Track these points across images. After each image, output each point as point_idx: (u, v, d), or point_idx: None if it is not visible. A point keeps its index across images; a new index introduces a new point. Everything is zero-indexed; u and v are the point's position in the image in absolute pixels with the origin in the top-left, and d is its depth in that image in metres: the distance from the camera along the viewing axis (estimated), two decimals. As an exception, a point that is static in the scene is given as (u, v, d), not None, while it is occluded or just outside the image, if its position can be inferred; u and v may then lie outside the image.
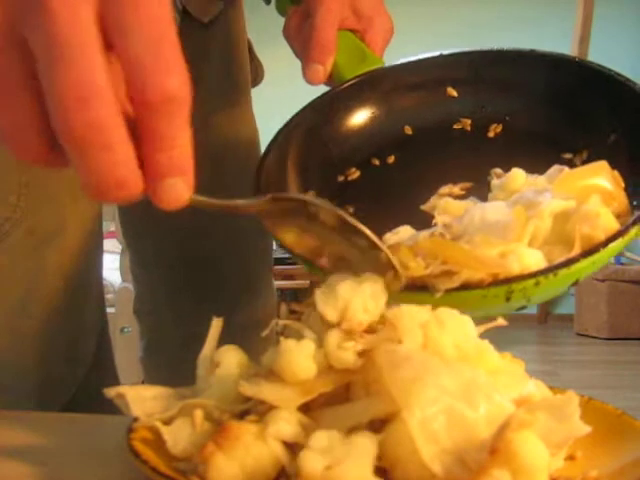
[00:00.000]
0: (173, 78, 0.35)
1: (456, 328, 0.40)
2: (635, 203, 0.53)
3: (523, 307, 0.51)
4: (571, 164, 0.60)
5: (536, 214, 0.51)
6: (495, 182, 0.58)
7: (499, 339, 0.44)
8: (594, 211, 0.51)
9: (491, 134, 0.65)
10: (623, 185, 0.55)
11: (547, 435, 0.36)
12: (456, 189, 0.62)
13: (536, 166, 0.61)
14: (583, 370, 4.00)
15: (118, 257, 2.65)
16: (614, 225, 0.51)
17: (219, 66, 0.86)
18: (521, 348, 4.33)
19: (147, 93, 0.34)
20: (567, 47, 4.57)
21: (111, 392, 0.40)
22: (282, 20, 0.73)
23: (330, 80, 0.70)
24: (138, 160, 0.36)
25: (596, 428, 0.39)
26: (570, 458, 0.40)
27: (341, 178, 0.66)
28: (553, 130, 0.63)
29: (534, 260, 0.49)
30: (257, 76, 0.96)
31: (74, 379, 0.74)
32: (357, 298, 0.40)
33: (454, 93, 0.68)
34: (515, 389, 0.40)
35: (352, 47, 0.70)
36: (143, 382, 0.98)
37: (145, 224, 0.93)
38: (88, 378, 0.76)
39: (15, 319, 0.68)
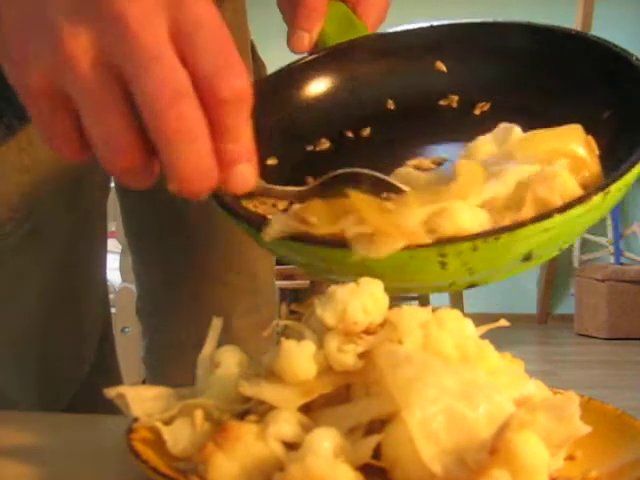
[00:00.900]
0: (241, 79, 0.41)
1: (456, 328, 0.40)
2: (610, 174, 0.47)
3: (473, 285, 0.46)
4: None
5: (498, 178, 0.46)
6: (460, 153, 0.54)
7: (499, 339, 0.44)
8: (552, 172, 0.45)
9: (477, 111, 0.61)
10: (597, 153, 0.50)
11: (547, 435, 0.36)
12: (427, 162, 0.58)
13: None
14: (583, 370, 4.00)
15: (118, 257, 2.65)
16: (575, 190, 0.46)
17: None
18: (521, 348, 4.33)
19: (221, 93, 0.40)
20: (567, 47, 4.57)
21: (111, 392, 0.40)
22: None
23: (315, 50, 0.66)
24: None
25: (596, 428, 0.39)
26: (570, 458, 0.40)
27: (310, 148, 0.62)
28: (543, 108, 0.59)
29: (474, 221, 0.43)
30: (260, 76, 0.95)
31: (76, 379, 0.74)
32: (355, 299, 0.40)
33: (443, 67, 0.64)
34: (515, 389, 0.40)
35: (342, 18, 0.66)
36: (144, 382, 0.98)
37: (147, 224, 0.93)
38: (91, 378, 0.76)
39: (16, 318, 0.68)
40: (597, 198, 0.44)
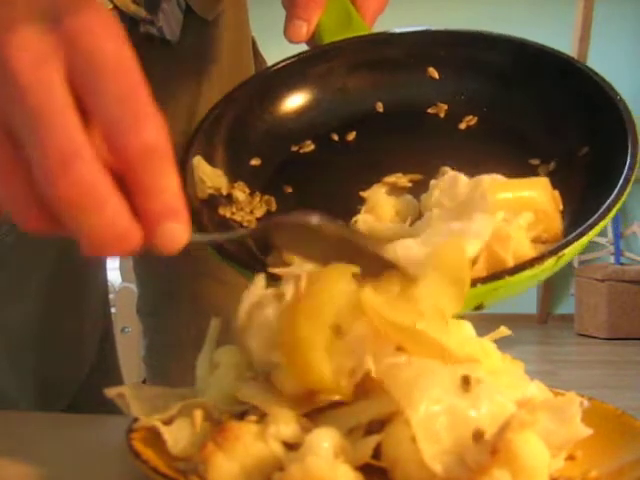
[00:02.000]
0: (148, 130, 0.36)
1: (458, 330, 0.40)
2: (570, 232, 0.48)
3: None
4: (535, 172, 0.56)
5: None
6: (433, 182, 0.53)
7: (499, 339, 0.44)
8: (507, 233, 0.45)
9: (463, 126, 0.61)
10: (561, 208, 0.51)
11: (548, 437, 0.36)
12: (404, 180, 0.57)
13: (499, 168, 0.56)
14: (583, 370, 4.00)
15: (118, 257, 2.65)
16: (528, 252, 0.46)
17: (223, 64, 0.86)
18: (521, 348, 4.33)
19: (127, 150, 0.35)
20: (567, 47, 4.57)
21: (111, 392, 0.40)
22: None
23: (311, 41, 0.65)
24: (132, 211, 0.37)
25: (596, 428, 0.39)
26: (570, 458, 0.40)
27: (294, 148, 0.61)
28: (528, 132, 0.59)
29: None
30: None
31: (76, 379, 0.74)
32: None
33: (435, 75, 0.63)
34: (517, 391, 0.40)
35: (340, 9, 0.64)
36: (144, 382, 0.98)
37: None
38: (91, 378, 0.76)
39: (16, 319, 0.68)
40: (550, 261, 0.45)
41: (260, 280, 0.41)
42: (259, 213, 0.56)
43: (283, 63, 0.64)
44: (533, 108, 0.60)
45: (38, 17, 0.36)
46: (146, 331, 0.98)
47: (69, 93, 0.35)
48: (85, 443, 0.49)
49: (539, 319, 5.63)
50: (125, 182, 0.36)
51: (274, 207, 0.57)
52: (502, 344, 0.42)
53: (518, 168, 0.56)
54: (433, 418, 0.35)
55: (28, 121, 0.35)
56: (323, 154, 0.62)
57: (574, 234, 0.47)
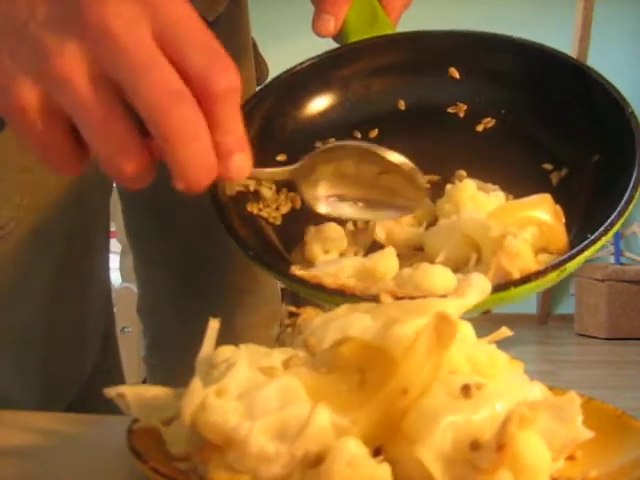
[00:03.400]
0: (230, 72, 0.42)
1: (462, 337, 0.40)
2: (575, 245, 0.51)
3: None
4: (547, 177, 0.58)
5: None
6: (448, 187, 0.57)
7: (499, 340, 0.44)
8: (515, 248, 0.49)
9: (480, 128, 0.63)
10: (563, 221, 0.54)
11: (549, 439, 0.36)
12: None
13: (513, 171, 0.59)
14: (583, 370, 4.00)
15: (118, 257, 2.65)
16: (531, 264, 0.50)
17: None
18: (521, 348, 4.33)
19: (214, 88, 0.42)
20: (567, 47, 4.57)
21: (111, 392, 0.40)
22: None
23: (338, 36, 0.66)
24: None
25: (596, 428, 0.39)
26: (570, 458, 0.40)
27: (318, 145, 0.63)
28: (543, 137, 0.61)
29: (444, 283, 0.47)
30: (262, 74, 0.95)
31: (78, 379, 0.74)
32: None
33: (456, 75, 0.64)
34: (519, 393, 0.40)
35: (366, 5, 0.66)
36: (144, 382, 0.98)
37: (148, 223, 0.93)
38: (93, 378, 0.75)
39: (18, 318, 0.68)
40: (552, 275, 0.48)
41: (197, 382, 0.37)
42: (284, 210, 0.59)
43: (309, 62, 0.66)
44: (549, 114, 0.61)
45: None
46: (146, 331, 0.98)
47: (157, 47, 0.42)
48: (85, 443, 0.49)
49: (539, 319, 5.63)
50: (206, 120, 0.42)
51: (299, 204, 0.59)
52: (502, 344, 0.42)
53: (531, 172, 0.59)
54: (442, 441, 0.35)
55: (134, 68, 0.40)
56: None
57: (576, 249, 0.50)
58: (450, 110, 0.64)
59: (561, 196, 0.55)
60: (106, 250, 0.81)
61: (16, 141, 0.47)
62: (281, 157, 0.62)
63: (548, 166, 0.59)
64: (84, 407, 0.70)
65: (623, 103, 0.57)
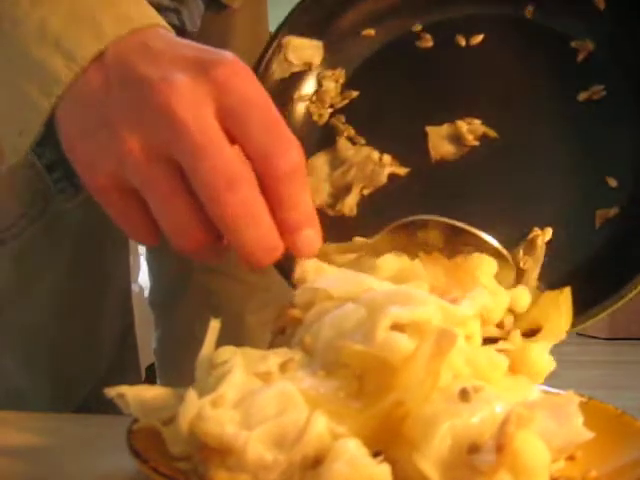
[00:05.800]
0: (294, 154, 0.43)
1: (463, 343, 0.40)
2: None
3: None
4: (608, 194, 0.51)
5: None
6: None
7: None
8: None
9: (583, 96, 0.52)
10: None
11: (548, 439, 0.36)
12: (478, 128, 0.53)
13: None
14: (583, 370, 4.00)
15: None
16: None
17: (240, 56, 0.85)
18: (521, 348, 4.32)
19: (278, 169, 0.42)
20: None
21: (111, 392, 0.40)
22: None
23: None
24: None
25: (596, 428, 0.39)
26: (570, 458, 0.40)
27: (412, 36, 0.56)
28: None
29: None
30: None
31: (90, 378, 0.74)
32: None
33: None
34: (517, 394, 0.40)
35: None
36: (147, 379, 0.98)
37: None
38: (108, 376, 0.75)
39: (29, 316, 0.68)
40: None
41: (192, 392, 0.37)
42: (336, 105, 0.55)
43: None
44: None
45: (185, 70, 0.43)
46: (158, 321, 0.98)
47: (220, 128, 0.42)
48: (86, 443, 0.49)
49: (539, 319, 5.63)
50: (269, 198, 0.43)
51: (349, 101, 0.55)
52: (502, 344, 0.42)
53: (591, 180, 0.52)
54: (440, 447, 0.34)
55: (193, 152, 0.41)
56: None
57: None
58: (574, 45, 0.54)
59: None
60: (123, 248, 0.80)
61: None
62: (368, 32, 0.56)
63: (612, 182, 0.52)
64: (98, 405, 0.70)
65: None
